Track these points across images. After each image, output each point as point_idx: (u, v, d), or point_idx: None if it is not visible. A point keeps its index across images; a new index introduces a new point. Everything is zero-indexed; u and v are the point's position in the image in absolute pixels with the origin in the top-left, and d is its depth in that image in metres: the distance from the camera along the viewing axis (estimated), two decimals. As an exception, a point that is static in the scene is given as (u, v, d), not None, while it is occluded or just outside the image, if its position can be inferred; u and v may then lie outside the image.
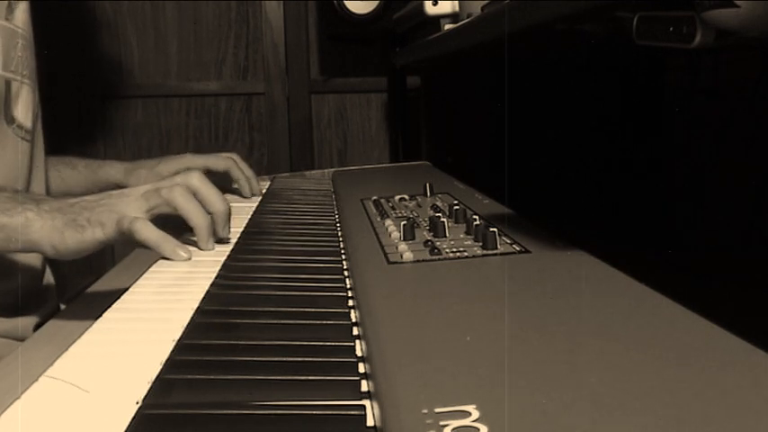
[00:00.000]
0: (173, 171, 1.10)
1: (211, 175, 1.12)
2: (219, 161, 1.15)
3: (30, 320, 0.94)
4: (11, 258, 0.90)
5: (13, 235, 0.71)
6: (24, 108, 0.97)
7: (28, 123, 0.97)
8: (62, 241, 0.71)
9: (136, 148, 1.98)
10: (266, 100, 2.00)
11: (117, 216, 0.72)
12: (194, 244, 0.78)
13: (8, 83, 0.93)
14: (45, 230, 0.71)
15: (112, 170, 1.12)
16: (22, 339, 0.88)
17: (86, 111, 1.95)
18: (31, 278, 0.97)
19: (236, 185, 1.17)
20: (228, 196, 1.10)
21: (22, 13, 0.97)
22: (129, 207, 0.74)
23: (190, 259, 0.74)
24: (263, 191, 1.20)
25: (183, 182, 0.77)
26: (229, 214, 0.80)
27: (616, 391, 0.35)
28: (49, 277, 1.03)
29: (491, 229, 0.63)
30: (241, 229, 0.86)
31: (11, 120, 0.94)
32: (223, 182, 1.14)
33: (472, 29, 0.93)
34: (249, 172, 1.18)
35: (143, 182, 1.03)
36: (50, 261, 1.02)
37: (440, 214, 0.77)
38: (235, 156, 1.18)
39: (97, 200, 0.74)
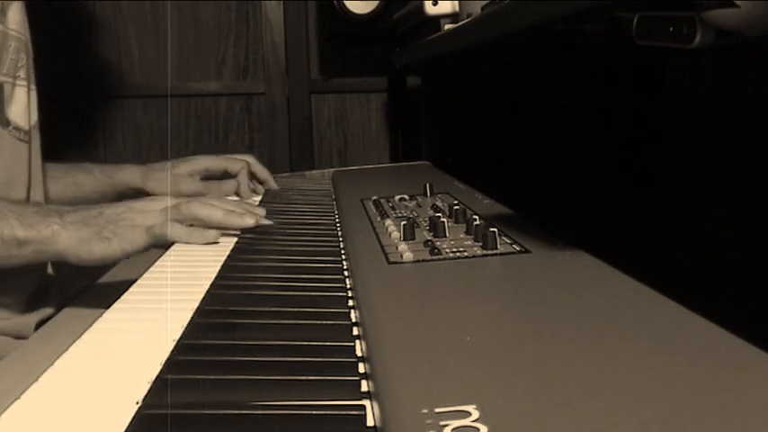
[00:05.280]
0: (189, 173, 1.11)
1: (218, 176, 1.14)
2: (235, 164, 1.15)
3: (32, 318, 0.94)
4: None
5: (42, 248, 0.77)
6: (20, 109, 0.97)
7: (24, 124, 0.97)
8: (89, 252, 0.76)
9: (136, 148, 1.97)
10: (266, 100, 2.00)
11: (144, 227, 0.77)
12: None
13: (1, 86, 0.93)
14: (71, 242, 0.76)
15: (128, 174, 1.12)
16: (24, 338, 0.88)
17: (86, 111, 1.95)
18: (33, 277, 0.97)
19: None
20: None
21: (15, 14, 0.97)
22: (150, 220, 0.79)
23: (218, 242, 0.81)
24: (263, 191, 1.20)
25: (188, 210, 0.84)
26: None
27: (616, 390, 0.35)
28: (51, 276, 1.03)
29: (491, 229, 0.63)
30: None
31: (5, 122, 0.94)
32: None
33: (472, 29, 0.93)
34: (265, 174, 1.19)
35: (160, 186, 1.08)
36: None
37: (440, 214, 0.77)
38: (250, 158, 1.18)
39: (119, 212, 0.80)
